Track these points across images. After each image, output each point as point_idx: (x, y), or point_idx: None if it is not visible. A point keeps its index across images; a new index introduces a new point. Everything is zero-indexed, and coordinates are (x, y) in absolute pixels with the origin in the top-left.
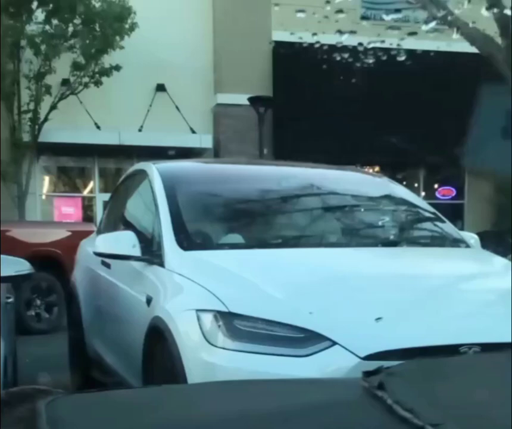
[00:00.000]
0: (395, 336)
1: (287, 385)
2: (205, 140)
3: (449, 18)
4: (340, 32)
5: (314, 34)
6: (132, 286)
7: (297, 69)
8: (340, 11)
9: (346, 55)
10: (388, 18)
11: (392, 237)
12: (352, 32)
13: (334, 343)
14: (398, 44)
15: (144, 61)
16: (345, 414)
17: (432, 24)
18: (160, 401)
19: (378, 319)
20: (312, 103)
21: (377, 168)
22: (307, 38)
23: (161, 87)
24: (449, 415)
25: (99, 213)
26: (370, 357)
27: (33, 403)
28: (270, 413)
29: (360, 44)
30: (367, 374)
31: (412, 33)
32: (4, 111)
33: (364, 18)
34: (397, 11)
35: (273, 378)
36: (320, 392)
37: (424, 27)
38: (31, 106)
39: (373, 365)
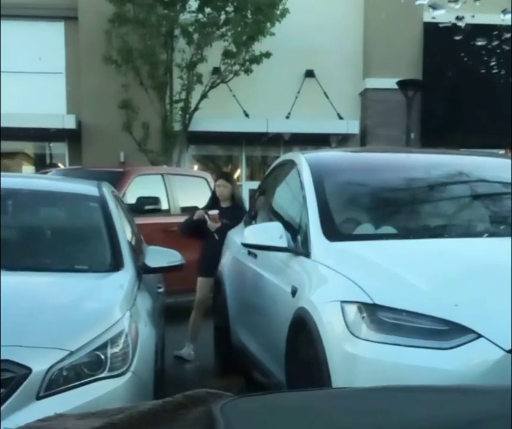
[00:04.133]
0: None
1: (443, 394)
2: (351, 126)
3: None
4: (504, 12)
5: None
6: (278, 276)
7: (449, 50)
8: None
9: (501, 35)
10: None
11: None
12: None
13: (479, 336)
14: None
15: (293, 47)
16: None
17: None
18: (328, 405)
19: None
20: (462, 86)
21: None
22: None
23: (309, 73)
24: None
25: (245, 201)
26: None
27: (207, 406)
28: (438, 423)
29: None
30: None
31: None
32: (156, 100)
33: None
34: None
35: (416, 371)
36: (472, 403)
37: None
38: (183, 95)
39: None
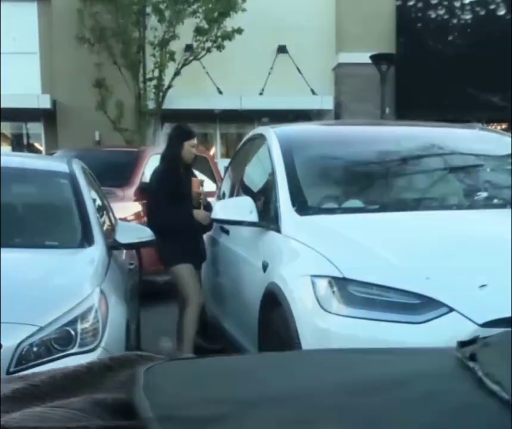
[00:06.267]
0: None
1: (379, 356)
2: (326, 102)
3: None
4: None
5: None
6: (249, 252)
7: (421, 23)
8: None
9: (472, 5)
10: None
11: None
12: None
13: (451, 309)
14: None
15: (266, 22)
16: (434, 386)
17: None
18: (258, 368)
19: (483, 286)
20: (437, 58)
21: (504, 126)
22: None
23: (282, 49)
24: None
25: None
26: (488, 325)
27: (133, 369)
28: (363, 383)
29: None
30: (462, 344)
31: None
32: (130, 79)
33: None
34: None
35: (387, 345)
36: (415, 361)
37: None
38: (156, 73)
39: (492, 333)
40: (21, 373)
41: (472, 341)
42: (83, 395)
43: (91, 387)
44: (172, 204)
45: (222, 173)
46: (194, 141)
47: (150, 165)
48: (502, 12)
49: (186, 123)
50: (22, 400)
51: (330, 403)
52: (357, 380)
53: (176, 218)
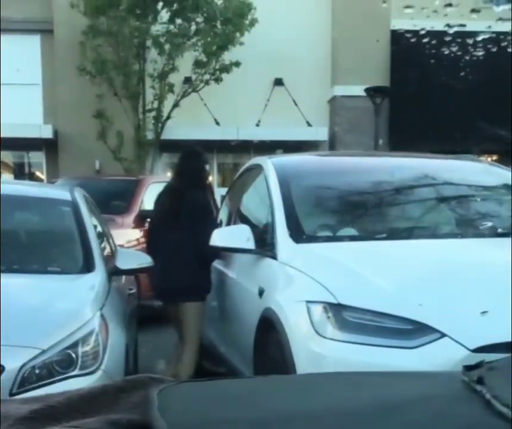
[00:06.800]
0: (505, 329)
1: (384, 378)
2: (320, 133)
3: None
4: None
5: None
6: (245, 278)
7: (415, 58)
8: None
9: (466, 39)
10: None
11: (504, 228)
12: (475, 11)
13: (443, 335)
14: None
15: (263, 56)
16: (441, 408)
17: None
18: (269, 390)
19: (484, 312)
20: (431, 91)
21: (494, 157)
22: (425, 24)
23: (278, 82)
24: None
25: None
26: (479, 350)
27: (146, 391)
28: (368, 406)
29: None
30: (468, 368)
31: None
32: (130, 110)
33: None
34: None
35: (381, 369)
36: (419, 385)
37: None
38: (155, 104)
39: (483, 358)
40: (36, 395)
41: (477, 365)
42: (98, 415)
43: (106, 408)
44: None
45: (218, 202)
46: (207, 167)
47: (149, 194)
48: (493, 45)
49: (200, 148)
50: (40, 420)
51: (340, 425)
52: (365, 402)
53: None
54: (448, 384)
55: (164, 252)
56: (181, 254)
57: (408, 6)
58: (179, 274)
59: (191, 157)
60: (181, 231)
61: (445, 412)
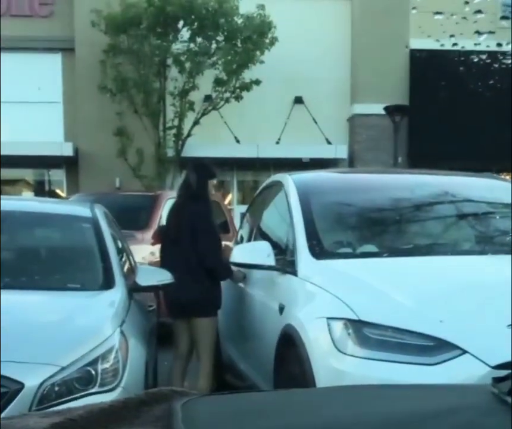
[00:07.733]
0: None
1: (414, 391)
2: (340, 151)
3: None
4: (479, 33)
5: (451, 35)
6: (266, 294)
7: (434, 75)
8: (478, 12)
9: (483, 58)
10: None
11: None
12: (491, 32)
13: (464, 352)
14: None
15: (283, 74)
16: (471, 420)
17: None
18: (292, 404)
19: (510, 325)
20: (449, 109)
21: None
22: (444, 41)
23: (298, 100)
24: None
25: (236, 224)
26: (500, 367)
27: (169, 404)
28: (396, 418)
29: (499, 44)
30: (497, 380)
31: None
32: (150, 127)
33: (503, 18)
34: None
35: None
36: (448, 397)
37: None
38: (176, 122)
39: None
40: (55, 409)
41: (506, 377)
42: None
43: (127, 421)
44: (219, 244)
45: (237, 219)
46: (215, 181)
47: (167, 209)
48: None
49: (207, 161)
50: None
51: None
52: (393, 415)
53: (225, 261)
54: (477, 396)
55: (173, 267)
56: (188, 268)
57: (437, 13)
58: (189, 289)
59: (194, 170)
60: (186, 245)
61: (475, 424)
